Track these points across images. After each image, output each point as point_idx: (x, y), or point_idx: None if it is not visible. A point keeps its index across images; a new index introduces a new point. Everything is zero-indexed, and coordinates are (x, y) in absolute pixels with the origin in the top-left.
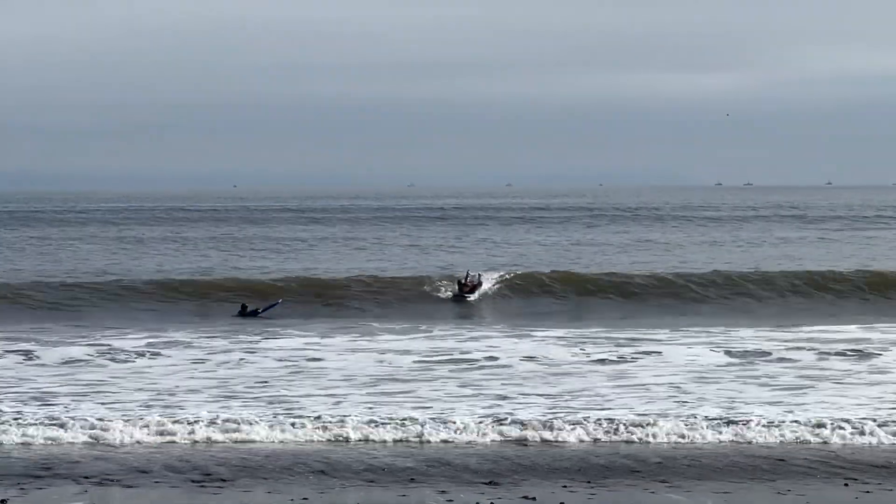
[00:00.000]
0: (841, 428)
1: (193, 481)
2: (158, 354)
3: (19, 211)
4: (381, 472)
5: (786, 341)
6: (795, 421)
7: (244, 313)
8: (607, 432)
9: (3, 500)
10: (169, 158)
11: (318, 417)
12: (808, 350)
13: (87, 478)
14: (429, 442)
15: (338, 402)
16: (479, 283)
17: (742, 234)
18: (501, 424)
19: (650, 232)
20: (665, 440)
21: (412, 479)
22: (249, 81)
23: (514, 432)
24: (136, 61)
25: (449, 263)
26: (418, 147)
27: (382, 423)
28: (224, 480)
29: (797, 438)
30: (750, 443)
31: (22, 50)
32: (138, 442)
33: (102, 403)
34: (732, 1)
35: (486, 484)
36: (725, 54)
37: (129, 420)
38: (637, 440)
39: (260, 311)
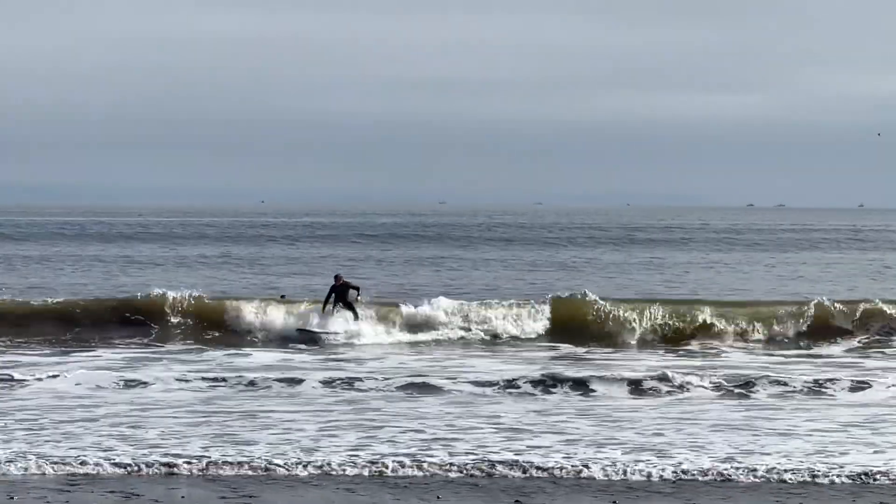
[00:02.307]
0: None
1: (221, 497)
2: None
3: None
4: (406, 489)
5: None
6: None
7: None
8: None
9: None
10: (200, 173)
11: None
12: None
13: (112, 492)
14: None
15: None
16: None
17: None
18: None
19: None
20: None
21: (438, 496)
22: (279, 97)
23: None
24: (162, 76)
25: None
26: (449, 165)
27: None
28: (251, 497)
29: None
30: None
31: (46, 62)
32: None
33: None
34: (764, 22)
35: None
36: (759, 75)
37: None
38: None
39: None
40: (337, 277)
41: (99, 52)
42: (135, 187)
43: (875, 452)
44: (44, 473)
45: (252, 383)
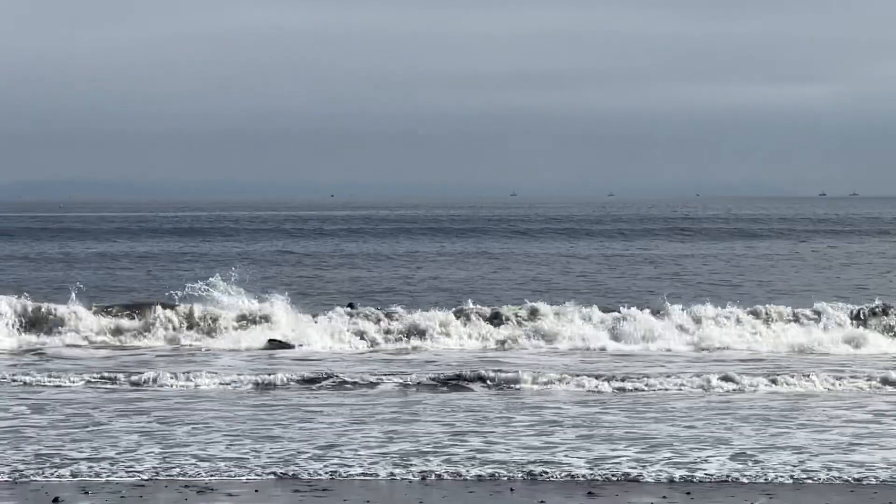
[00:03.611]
0: None
1: (295, 490)
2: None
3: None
4: (479, 483)
5: None
6: None
7: None
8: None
9: (56, 499)
10: (278, 168)
11: None
12: None
13: (187, 487)
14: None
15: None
16: None
17: None
18: None
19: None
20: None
21: (511, 488)
22: (355, 90)
23: None
24: (240, 71)
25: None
26: (521, 157)
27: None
28: (325, 490)
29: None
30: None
31: (126, 59)
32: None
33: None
34: (836, 12)
35: (585, 495)
36: (829, 65)
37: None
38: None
39: None
40: None
41: (169, 49)
42: (208, 182)
43: None
44: (116, 471)
45: (311, 381)
